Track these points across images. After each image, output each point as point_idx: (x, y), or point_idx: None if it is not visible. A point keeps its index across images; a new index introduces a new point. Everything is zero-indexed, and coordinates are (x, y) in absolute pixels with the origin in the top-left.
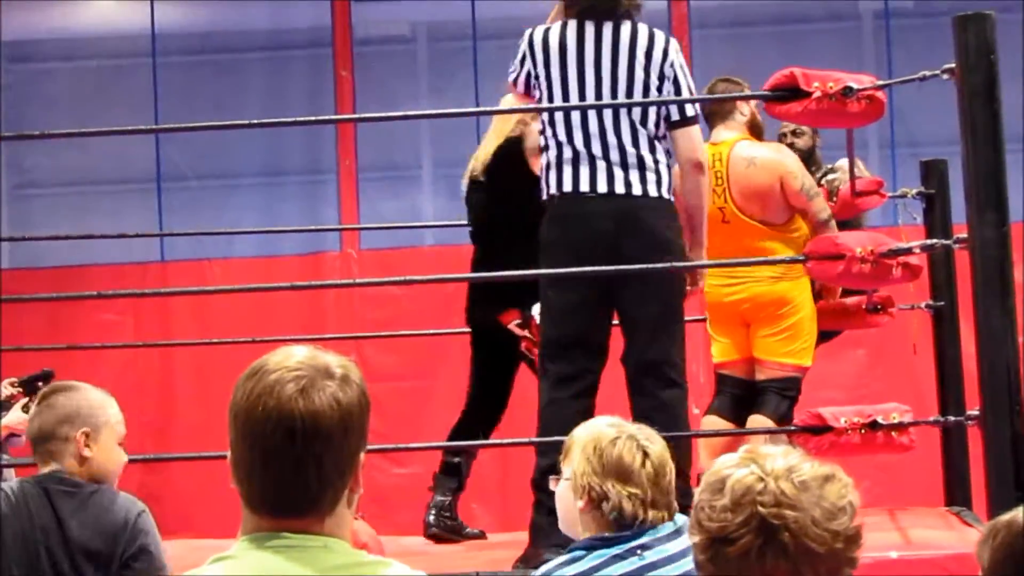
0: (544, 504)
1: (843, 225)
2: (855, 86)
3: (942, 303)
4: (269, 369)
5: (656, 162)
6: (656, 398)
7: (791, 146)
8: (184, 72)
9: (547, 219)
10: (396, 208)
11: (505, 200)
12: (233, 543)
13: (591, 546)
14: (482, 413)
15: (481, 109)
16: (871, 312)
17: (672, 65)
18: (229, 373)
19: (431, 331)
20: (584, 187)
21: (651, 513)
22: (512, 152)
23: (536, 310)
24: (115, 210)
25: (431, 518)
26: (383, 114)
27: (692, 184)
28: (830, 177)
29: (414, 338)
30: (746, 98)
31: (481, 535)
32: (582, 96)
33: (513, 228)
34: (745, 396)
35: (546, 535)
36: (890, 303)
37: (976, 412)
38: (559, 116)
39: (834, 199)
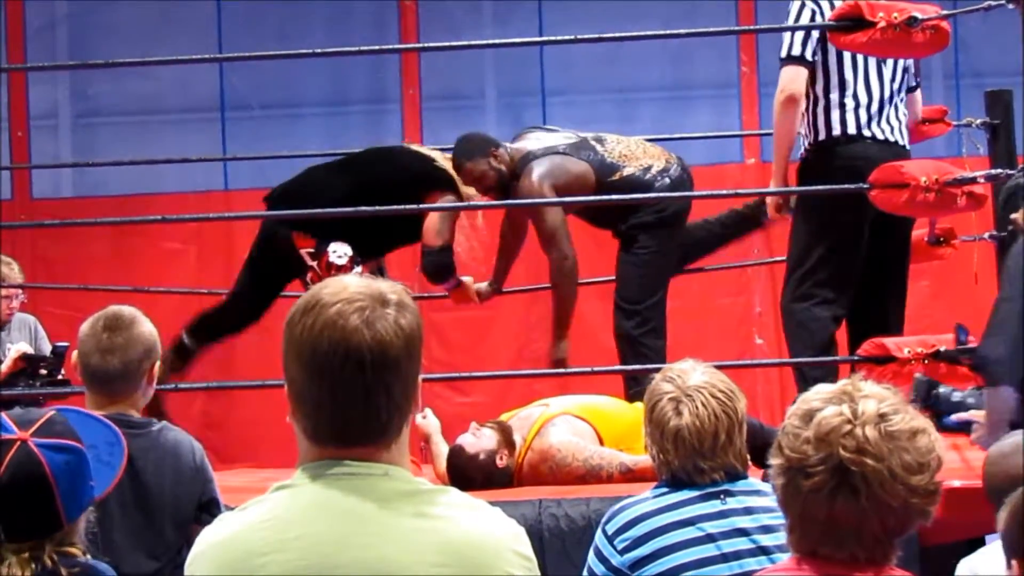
0: None
1: None
2: (919, 16)
3: (1005, 234)
4: (327, 302)
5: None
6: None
7: None
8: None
9: (830, 156)
10: None
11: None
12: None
13: (678, 484)
14: (233, 316)
15: (545, 39)
16: (933, 245)
17: None
18: (292, 302)
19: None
20: (866, 132)
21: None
22: None
23: (333, 248)
24: (179, 139)
25: None
26: (447, 43)
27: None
28: None
29: (478, 267)
30: (812, 28)
31: None
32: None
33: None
34: None
35: None
36: (952, 235)
37: None
38: (847, 63)
39: None
